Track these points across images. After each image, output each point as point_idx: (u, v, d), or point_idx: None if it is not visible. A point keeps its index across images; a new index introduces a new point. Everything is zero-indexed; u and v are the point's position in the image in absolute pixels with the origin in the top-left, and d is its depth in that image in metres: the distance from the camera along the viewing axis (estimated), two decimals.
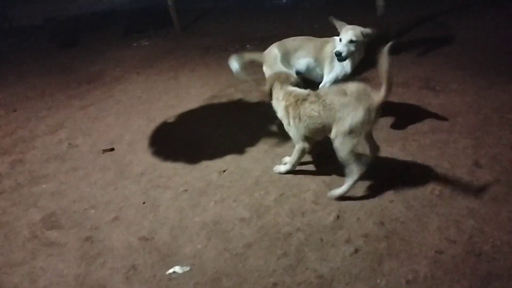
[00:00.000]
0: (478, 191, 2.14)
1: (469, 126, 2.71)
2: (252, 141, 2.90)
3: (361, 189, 2.25)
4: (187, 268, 1.92)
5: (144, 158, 2.92)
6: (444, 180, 2.24)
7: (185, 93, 3.96)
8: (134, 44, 6.05)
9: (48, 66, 5.64)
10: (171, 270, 1.92)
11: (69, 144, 3.19)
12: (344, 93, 2.07)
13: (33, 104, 4.08)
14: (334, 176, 2.38)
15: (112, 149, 3.06)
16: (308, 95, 2.21)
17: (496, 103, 2.95)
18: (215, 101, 3.70)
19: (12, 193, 2.67)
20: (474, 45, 4.14)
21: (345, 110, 2.03)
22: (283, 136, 2.91)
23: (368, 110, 2.00)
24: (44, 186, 2.70)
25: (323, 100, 2.10)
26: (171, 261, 1.98)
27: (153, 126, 3.37)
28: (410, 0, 6.20)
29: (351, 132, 2.03)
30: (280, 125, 3.04)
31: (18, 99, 4.28)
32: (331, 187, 2.28)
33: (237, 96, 3.71)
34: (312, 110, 2.13)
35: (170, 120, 3.45)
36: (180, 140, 3.12)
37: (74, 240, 2.20)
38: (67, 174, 2.81)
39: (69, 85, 4.60)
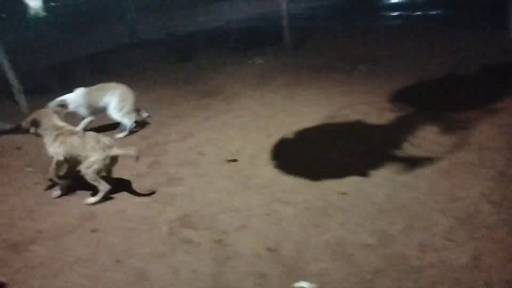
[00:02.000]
0: None
1: None
2: (372, 166, 2.89)
3: (502, 230, 2.11)
4: (315, 285, 1.99)
5: (265, 172, 3.08)
6: None
7: (300, 111, 4.10)
8: (249, 62, 6.42)
9: (171, 77, 6.26)
10: (298, 284, 2.00)
11: (198, 152, 3.51)
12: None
13: (164, 113, 4.56)
14: (469, 212, 2.27)
15: (235, 160, 3.29)
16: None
17: None
18: (331, 121, 3.77)
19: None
20: None
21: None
22: (406, 164, 2.88)
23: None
24: (178, 188, 3.00)
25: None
26: (297, 275, 2.06)
27: (271, 141, 3.55)
28: None
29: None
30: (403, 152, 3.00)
31: (153, 106, 4.80)
32: (465, 225, 2.19)
33: (354, 117, 3.73)
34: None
35: (287, 137, 3.60)
36: (297, 158, 3.24)
37: (207, 241, 2.41)
38: (197, 179, 3.09)
39: (192, 97, 5.06)
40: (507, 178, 2.53)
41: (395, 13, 9.46)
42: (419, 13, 9.04)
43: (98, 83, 4.23)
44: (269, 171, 3.09)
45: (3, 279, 2.26)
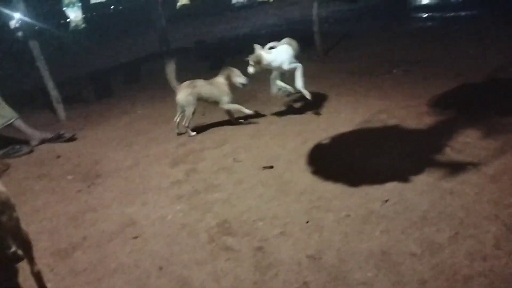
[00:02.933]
0: None
1: None
2: (414, 172, 2.82)
3: None
4: None
5: (302, 178, 3.06)
6: None
7: (335, 117, 4.06)
8: None
9: None
10: None
11: (234, 158, 3.53)
12: None
13: (200, 121, 4.64)
14: None
15: (272, 167, 3.29)
16: None
17: None
18: (368, 126, 3.70)
19: (190, 198, 3.05)
20: None
21: None
22: (449, 170, 2.79)
23: None
24: (216, 194, 3.02)
25: None
26: (341, 284, 2.02)
27: (307, 147, 3.52)
28: None
29: None
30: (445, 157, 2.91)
31: None
32: None
33: (391, 122, 3.66)
34: None
35: (324, 142, 3.56)
36: (335, 164, 3.19)
37: (247, 248, 2.40)
38: (234, 186, 3.10)
39: None
40: None
41: (427, 15, 9.26)
42: (451, 14, 8.82)
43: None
44: (306, 178, 3.07)
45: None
